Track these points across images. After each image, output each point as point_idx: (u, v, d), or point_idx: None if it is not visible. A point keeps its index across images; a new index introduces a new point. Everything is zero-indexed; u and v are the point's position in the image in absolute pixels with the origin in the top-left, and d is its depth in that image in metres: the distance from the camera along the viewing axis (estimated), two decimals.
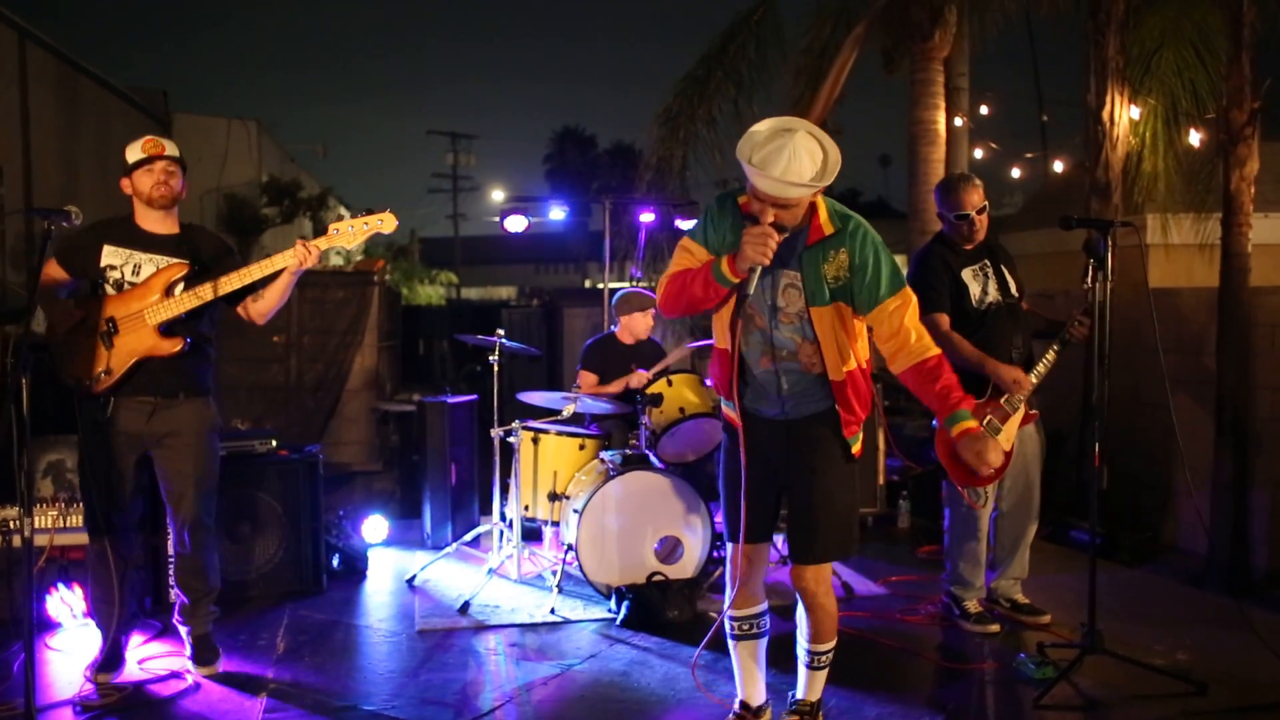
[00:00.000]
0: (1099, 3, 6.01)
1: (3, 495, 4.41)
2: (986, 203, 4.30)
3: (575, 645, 4.31)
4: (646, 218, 6.83)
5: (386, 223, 3.85)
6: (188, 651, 3.96)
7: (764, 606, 3.33)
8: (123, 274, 3.77)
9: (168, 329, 3.72)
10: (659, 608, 4.49)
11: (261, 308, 3.90)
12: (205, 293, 3.72)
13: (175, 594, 4.01)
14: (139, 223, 3.84)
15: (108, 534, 3.77)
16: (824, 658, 3.26)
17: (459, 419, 5.99)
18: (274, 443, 5.06)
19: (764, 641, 3.34)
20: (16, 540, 4.08)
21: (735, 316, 3.04)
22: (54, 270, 3.80)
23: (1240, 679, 3.87)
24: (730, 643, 3.34)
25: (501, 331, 5.34)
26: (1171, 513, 5.65)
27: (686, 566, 4.87)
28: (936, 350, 3.02)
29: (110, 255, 3.78)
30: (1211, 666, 3.95)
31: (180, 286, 3.74)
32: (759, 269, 2.91)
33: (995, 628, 4.41)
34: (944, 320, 4.25)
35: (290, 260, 3.76)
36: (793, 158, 2.76)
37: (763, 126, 2.85)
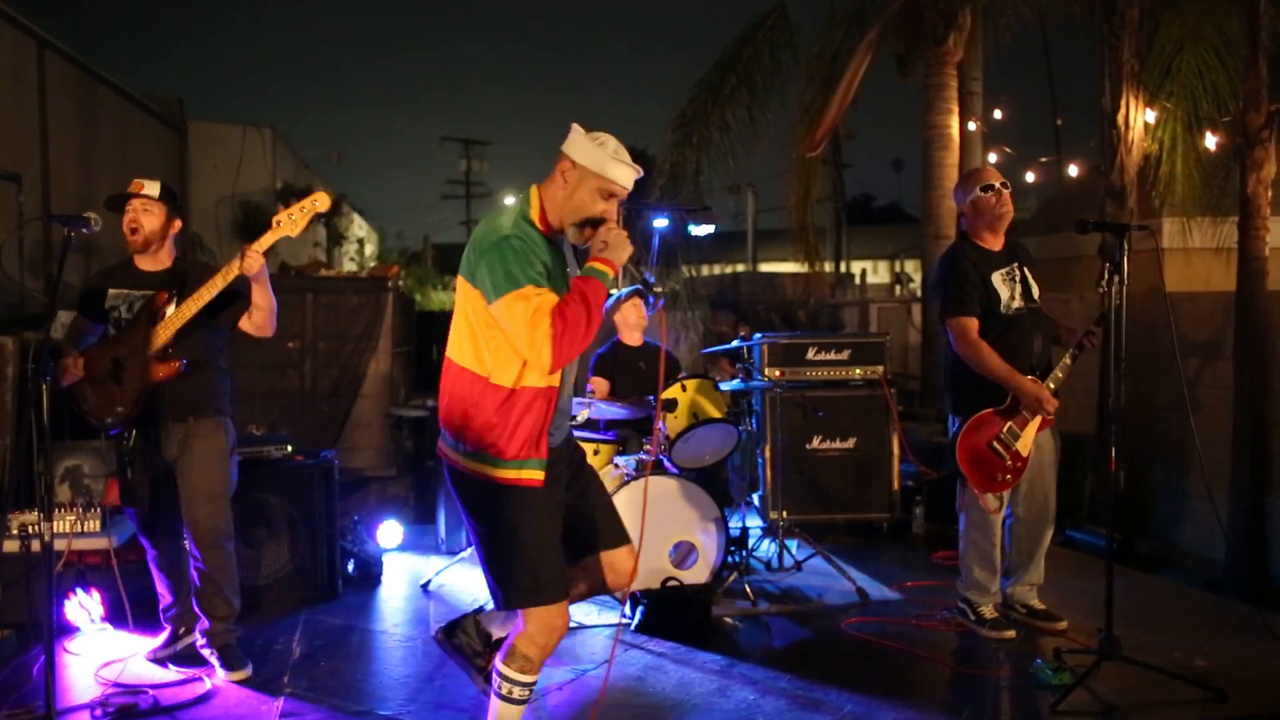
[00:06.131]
0: (1113, 7, 5.99)
1: (22, 500, 4.45)
2: (1007, 181, 4.30)
3: (590, 650, 4.32)
4: (660, 223, 6.83)
5: (321, 201, 3.92)
6: (216, 661, 3.96)
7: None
8: (121, 313, 3.93)
9: (162, 355, 3.83)
10: (674, 613, 4.49)
11: (259, 319, 3.98)
12: (185, 310, 3.80)
13: (199, 616, 4.05)
14: (136, 263, 4.00)
15: (152, 536, 4.02)
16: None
17: None
18: (289, 448, 5.09)
19: None
20: (35, 545, 4.10)
21: None
22: (78, 323, 4.02)
23: (1260, 685, 3.85)
24: (514, 708, 2.87)
25: None
26: (1188, 518, 5.62)
27: (701, 571, 4.87)
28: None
29: (112, 298, 3.95)
30: (1230, 672, 3.92)
31: (168, 311, 3.86)
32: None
33: (1011, 633, 4.39)
34: (973, 325, 4.20)
35: (237, 267, 3.74)
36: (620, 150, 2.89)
37: (582, 131, 2.86)
